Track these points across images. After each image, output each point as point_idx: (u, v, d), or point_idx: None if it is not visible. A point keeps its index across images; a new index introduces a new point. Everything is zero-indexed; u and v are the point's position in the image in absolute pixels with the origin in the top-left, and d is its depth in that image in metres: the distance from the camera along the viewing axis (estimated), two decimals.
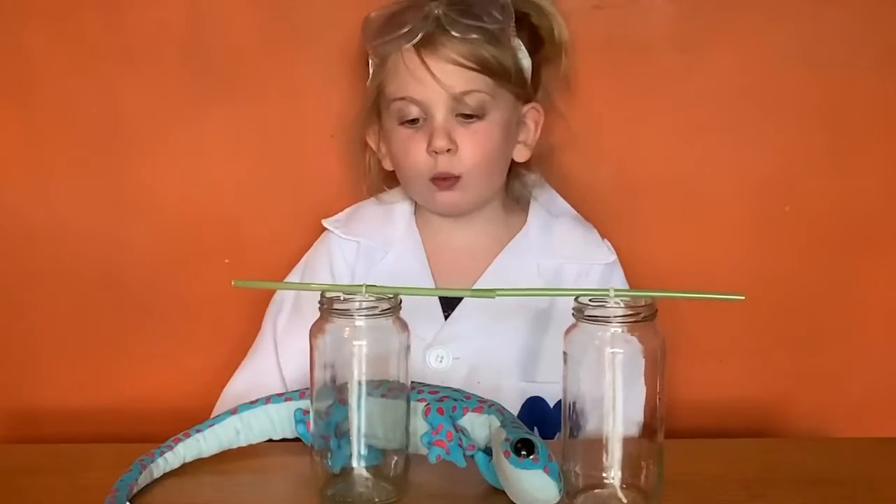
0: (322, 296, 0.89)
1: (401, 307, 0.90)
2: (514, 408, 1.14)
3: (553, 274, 1.21)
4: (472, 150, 1.15)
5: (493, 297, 0.89)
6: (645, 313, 0.85)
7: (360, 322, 0.88)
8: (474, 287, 1.18)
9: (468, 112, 1.15)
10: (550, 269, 1.21)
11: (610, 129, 1.31)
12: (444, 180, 1.16)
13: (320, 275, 1.22)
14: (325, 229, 1.25)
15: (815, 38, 1.30)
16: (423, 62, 1.13)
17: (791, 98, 1.30)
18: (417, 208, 1.25)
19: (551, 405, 1.17)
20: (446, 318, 1.18)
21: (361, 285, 0.88)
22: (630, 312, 0.85)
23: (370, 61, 1.20)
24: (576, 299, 0.87)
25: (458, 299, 1.18)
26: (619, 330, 0.85)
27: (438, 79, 1.13)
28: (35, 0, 1.28)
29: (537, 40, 1.21)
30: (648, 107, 1.31)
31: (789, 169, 1.32)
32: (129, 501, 0.88)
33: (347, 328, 0.88)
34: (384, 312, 0.89)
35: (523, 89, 1.20)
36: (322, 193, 1.29)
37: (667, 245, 1.32)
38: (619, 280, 1.23)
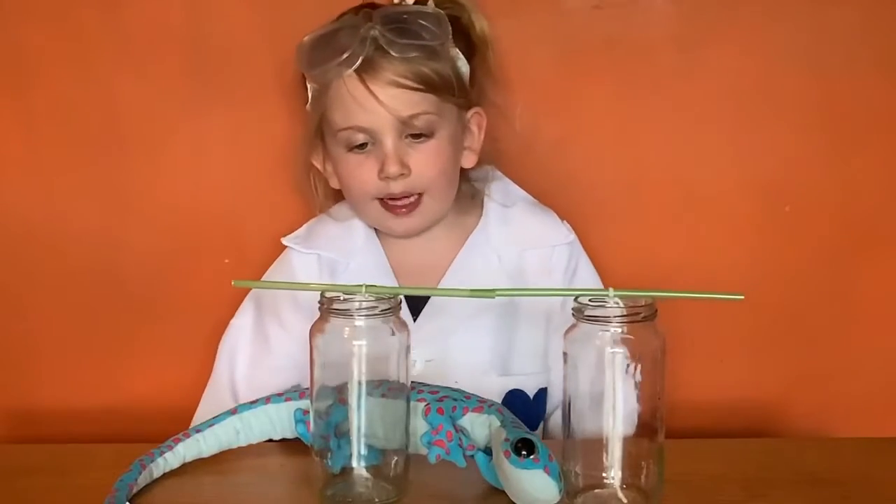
0: (322, 296, 0.89)
1: (400, 307, 0.90)
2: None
3: (515, 264, 1.20)
4: (425, 170, 1.14)
5: (493, 297, 0.89)
6: (645, 313, 0.85)
7: (359, 322, 0.88)
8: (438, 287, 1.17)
9: (417, 132, 1.13)
10: (511, 258, 1.20)
11: (610, 129, 1.31)
12: (400, 207, 1.15)
13: (283, 293, 1.21)
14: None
15: (816, 38, 1.30)
16: (368, 88, 1.11)
17: (791, 98, 1.30)
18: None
19: (531, 396, 1.17)
20: (415, 321, 1.17)
21: (361, 285, 0.88)
22: (630, 312, 0.85)
23: (308, 86, 1.18)
24: (575, 299, 0.87)
25: (424, 302, 1.18)
26: (619, 330, 0.85)
27: (385, 104, 1.11)
28: (35, 0, 1.28)
29: (471, 44, 1.20)
30: (648, 107, 1.31)
31: (789, 169, 1.31)
32: (129, 501, 0.88)
33: (347, 328, 0.88)
34: (384, 312, 0.89)
35: (466, 98, 1.18)
36: None
37: (667, 245, 1.32)
38: (585, 261, 1.23)
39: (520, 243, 1.21)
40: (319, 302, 0.89)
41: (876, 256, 1.33)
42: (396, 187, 1.14)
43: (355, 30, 1.12)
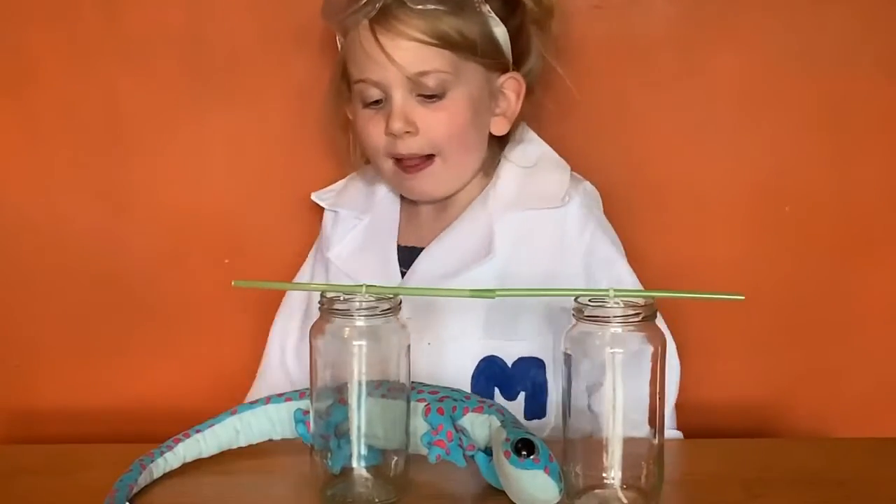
0: (322, 296, 0.89)
1: (401, 307, 0.90)
2: (469, 367, 1.11)
3: (527, 224, 1.14)
4: (433, 131, 1.11)
5: (493, 298, 0.89)
6: (645, 313, 0.85)
7: (360, 322, 0.88)
8: (424, 251, 1.15)
9: (428, 93, 1.10)
10: (523, 220, 1.14)
11: (610, 129, 1.31)
12: (412, 165, 1.13)
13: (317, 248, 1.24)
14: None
15: (816, 38, 1.30)
16: (377, 40, 1.08)
17: (791, 98, 1.30)
18: None
19: (509, 365, 1.12)
20: (403, 277, 1.16)
21: (361, 285, 0.88)
22: (630, 312, 0.85)
23: (337, 37, 1.16)
24: (576, 299, 0.87)
25: (414, 257, 1.16)
26: (619, 330, 0.85)
27: (393, 59, 1.08)
28: (35, 0, 1.28)
29: (511, 4, 1.15)
30: (648, 107, 1.31)
31: (789, 169, 1.31)
32: (129, 501, 0.88)
33: (347, 328, 0.88)
34: (384, 312, 0.89)
35: (496, 59, 1.14)
36: None
37: (667, 245, 1.32)
38: (599, 222, 1.17)
39: (527, 205, 1.15)
40: (319, 302, 0.89)
41: (876, 256, 1.33)
42: (403, 146, 1.11)
43: None
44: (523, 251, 1.14)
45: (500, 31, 1.14)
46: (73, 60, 1.29)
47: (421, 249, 1.17)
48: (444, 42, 1.09)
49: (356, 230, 1.21)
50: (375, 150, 1.14)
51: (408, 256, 1.17)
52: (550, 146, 1.22)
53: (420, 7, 1.08)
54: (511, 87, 1.17)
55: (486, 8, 1.12)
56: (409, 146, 1.12)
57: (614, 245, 1.18)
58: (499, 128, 1.17)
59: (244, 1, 1.30)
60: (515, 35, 1.16)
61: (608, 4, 1.29)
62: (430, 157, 1.13)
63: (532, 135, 1.22)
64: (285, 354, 1.24)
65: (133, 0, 1.29)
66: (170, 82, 1.30)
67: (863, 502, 0.91)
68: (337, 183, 1.26)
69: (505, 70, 1.16)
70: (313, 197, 1.24)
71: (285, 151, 1.31)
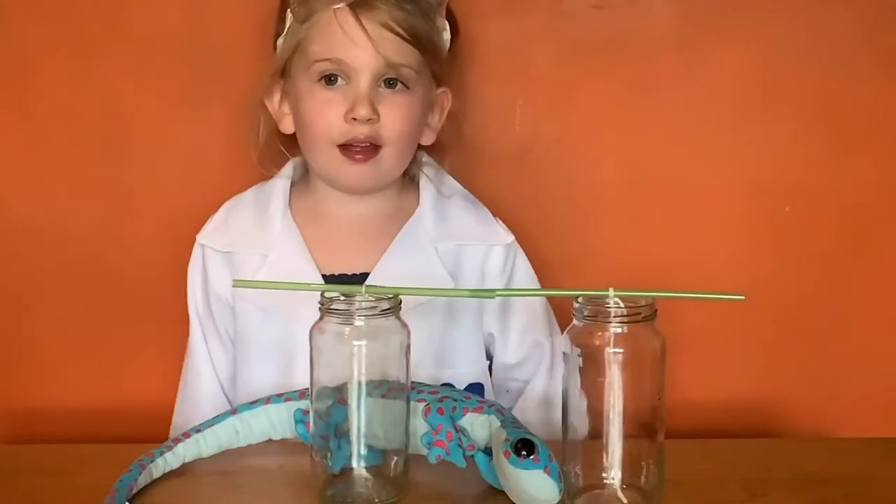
0: (322, 296, 0.89)
1: (401, 307, 0.90)
2: None
3: (453, 256, 1.16)
4: (394, 121, 1.11)
5: (493, 297, 0.89)
6: (645, 313, 0.85)
7: (359, 322, 0.88)
8: (371, 274, 1.12)
9: (394, 80, 1.11)
10: (449, 252, 1.16)
11: (610, 129, 1.31)
12: (360, 152, 1.11)
13: (196, 291, 1.19)
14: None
15: (816, 38, 1.30)
16: (361, 24, 1.08)
17: (791, 98, 1.30)
18: (293, 192, 1.20)
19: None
20: None
21: (361, 285, 0.88)
22: (630, 312, 0.85)
23: (287, 16, 1.14)
24: (575, 300, 0.87)
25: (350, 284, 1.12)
26: (619, 330, 0.85)
27: (376, 44, 1.09)
28: (35, 0, 1.28)
29: (454, 24, 1.18)
30: (648, 107, 1.31)
31: (789, 169, 1.31)
32: (129, 501, 0.88)
33: (347, 328, 0.88)
34: (384, 312, 0.89)
35: (440, 71, 1.16)
36: None
37: (667, 245, 1.32)
38: (522, 261, 1.20)
39: (456, 238, 1.17)
40: (319, 302, 0.89)
41: (876, 257, 1.33)
42: (362, 131, 1.10)
43: None
44: (459, 281, 1.16)
45: (446, 45, 1.17)
46: (73, 60, 1.29)
47: (354, 276, 1.14)
48: (416, 39, 1.11)
49: (264, 270, 1.14)
50: (325, 133, 1.12)
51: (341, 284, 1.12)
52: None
53: (396, 1, 1.10)
54: (441, 100, 1.19)
55: (443, 21, 1.15)
56: (366, 133, 1.11)
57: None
58: (428, 138, 1.19)
59: (244, 1, 1.30)
60: (449, 53, 1.19)
61: (608, 4, 1.29)
62: (377, 148, 1.12)
63: (439, 167, 1.22)
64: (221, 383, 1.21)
65: (134, 0, 1.29)
66: (170, 82, 1.30)
67: (863, 502, 0.91)
68: (214, 218, 1.20)
69: (440, 83, 1.18)
70: (202, 241, 1.18)
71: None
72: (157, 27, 1.29)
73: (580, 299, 0.86)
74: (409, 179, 1.21)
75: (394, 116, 1.11)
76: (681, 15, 1.29)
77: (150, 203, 1.32)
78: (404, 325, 0.90)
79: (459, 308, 1.16)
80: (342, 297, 0.89)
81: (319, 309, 0.89)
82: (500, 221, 1.20)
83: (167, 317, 1.32)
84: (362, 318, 0.88)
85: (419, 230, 1.17)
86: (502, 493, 0.88)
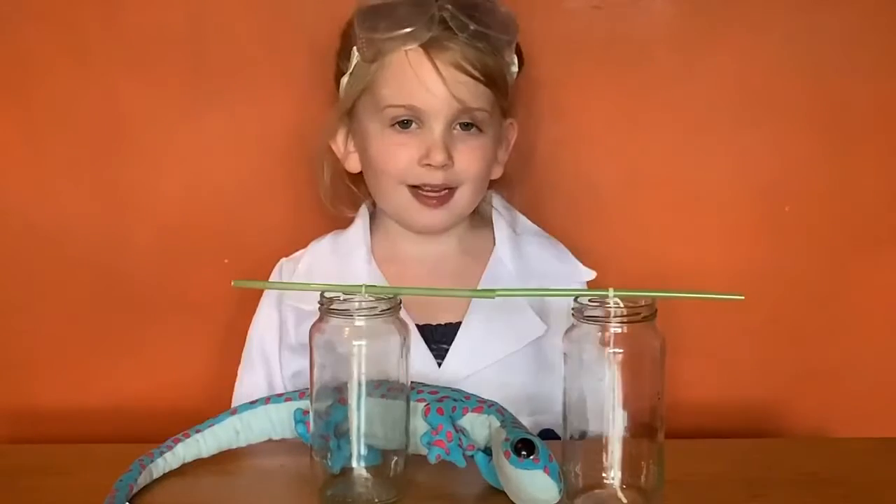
0: (322, 296, 0.89)
1: (400, 307, 0.90)
2: None
3: (538, 297, 1.14)
4: (468, 165, 1.10)
5: (493, 297, 0.89)
6: (645, 313, 0.85)
7: (359, 322, 0.88)
8: (462, 326, 1.11)
9: (468, 124, 1.09)
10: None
11: (610, 129, 1.31)
12: (433, 198, 1.10)
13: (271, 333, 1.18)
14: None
15: (815, 39, 1.30)
16: (435, 67, 1.06)
17: (791, 98, 1.30)
18: (373, 237, 1.17)
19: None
20: (439, 365, 1.11)
21: (361, 286, 0.88)
22: (630, 312, 0.85)
23: (353, 54, 1.12)
24: (575, 299, 0.87)
25: (443, 341, 1.12)
26: (619, 330, 0.85)
27: (450, 87, 1.06)
28: (35, 0, 1.28)
29: (520, 56, 1.16)
30: (648, 107, 1.31)
31: (789, 169, 1.32)
32: (129, 501, 0.88)
33: (347, 328, 0.88)
34: (384, 312, 0.89)
35: (508, 104, 1.15)
36: None
37: (667, 245, 1.32)
38: None
39: (538, 278, 1.14)
40: (319, 302, 0.89)
41: (875, 256, 1.33)
42: (436, 177, 1.09)
43: (422, 6, 1.06)
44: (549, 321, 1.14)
45: (513, 79, 1.15)
46: (74, 61, 1.29)
47: (436, 326, 1.13)
48: (489, 80, 1.09)
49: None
50: (396, 176, 1.10)
51: (427, 335, 1.12)
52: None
53: (470, 40, 1.07)
54: (509, 133, 1.18)
55: (513, 56, 1.13)
56: (440, 178, 1.09)
57: None
58: (496, 172, 1.17)
59: (244, 1, 1.30)
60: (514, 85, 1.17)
61: (608, 4, 1.29)
62: (451, 191, 1.11)
63: (508, 203, 1.21)
64: None
65: (133, 1, 1.29)
66: (170, 83, 1.30)
67: (863, 502, 0.91)
68: (302, 262, 1.18)
69: (506, 116, 1.16)
70: (290, 302, 1.15)
71: (285, 151, 1.31)
72: (157, 27, 1.29)
73: (580, 299, 0.86)
74: (479, 216, 1.20)
75: (469, 160, 1.10)
76: (681, 15, 1.30)
77: (151, 203, 1.32)
78: (404, 325, 0.90)
79: (548, 351, 1.12)
80: (342, 297, 0.89)
81: (319, 309, 0.89)
82: (575, 258, 1.19)
83: (167, 317, 1.32)
84: (362, 318, 0.88)
85: (501, 274, 1.15)
86: (502, 493, 0.88)
